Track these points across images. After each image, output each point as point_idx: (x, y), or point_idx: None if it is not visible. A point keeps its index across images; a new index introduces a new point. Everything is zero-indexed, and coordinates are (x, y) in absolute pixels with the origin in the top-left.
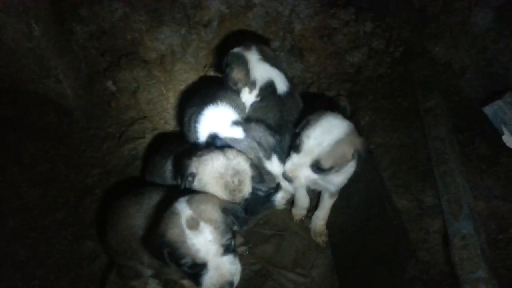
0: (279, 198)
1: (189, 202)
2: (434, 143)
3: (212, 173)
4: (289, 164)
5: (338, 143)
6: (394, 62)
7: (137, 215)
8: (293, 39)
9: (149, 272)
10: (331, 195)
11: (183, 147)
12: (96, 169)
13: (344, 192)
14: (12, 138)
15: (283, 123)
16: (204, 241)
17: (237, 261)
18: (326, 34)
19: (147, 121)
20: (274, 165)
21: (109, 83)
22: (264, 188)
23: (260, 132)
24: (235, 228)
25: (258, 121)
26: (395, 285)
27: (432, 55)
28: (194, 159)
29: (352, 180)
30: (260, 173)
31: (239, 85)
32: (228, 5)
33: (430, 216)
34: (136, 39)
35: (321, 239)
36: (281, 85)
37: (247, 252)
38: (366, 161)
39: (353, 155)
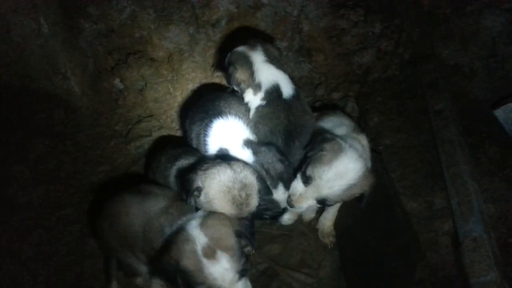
0: (286, 219)
1: (202, 228)
2: (444, 145)
3: (219, 187)
4: (295, 193)
5: (349, 187)
6: (403, 64)
7: (139, 214)
8: (302, 39)
9: (144, 268)
10: None
11: (188, 154)
12: (102, 167)
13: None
14: (19, 135)
15: (292, 128)
16: (221, 269)
17: (249, 284)
18: (334, 34)
19: (154, 119)
20: (279, 194)
21: (117, 81)
22: (269, 213)
23: (269, 158)
24: (248, 248)
25: (269, 144)
26: (404, 286)
27: (441, 57)
28: (200, 172)
29: None
30: (266, 186)
31: (242, 85)
32: (236, 4)
33: (439, 219)
34: (144, 37)
35: (329, 240)
36: (287, 89)
37: (253, 252)
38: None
39: (359, 195)
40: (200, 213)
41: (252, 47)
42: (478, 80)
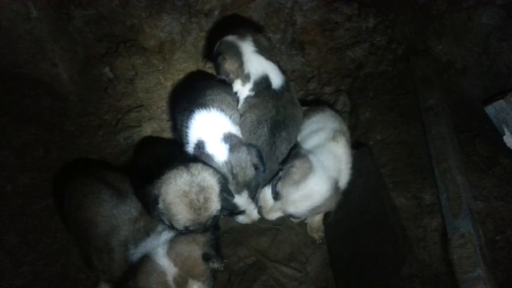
0: (240, 220)
1: (171, 256)
2: (435, 141)
3: (175, 191)
4: (266, 205)
5: (315, 208)
6: (396, 59)
7: (108, 217)
8: (295, 32)
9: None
10: None
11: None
12: (90, 156)
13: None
14: (5, 121)
15: (279, 118)
16: None
17: None
18: (328, 28)
19: (144, 110)
20: (242, 200)
21: (106, 70)
22: (225, 212)
23: (243, 161)
24: (216, 265)
25: (251, 146)
26: (392, 282)
27: (434, 53)
28: (157, 181)
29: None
30: (227, 188)
31: (231, 76)
32: None
33: (428, 214)
34: (135, 25)
35: (318, 235)
36: (276, 80)
37: (221, 268)
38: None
39: (325, 213)
40: (165, 236)
41: (242, 36)
42: (470, 76)
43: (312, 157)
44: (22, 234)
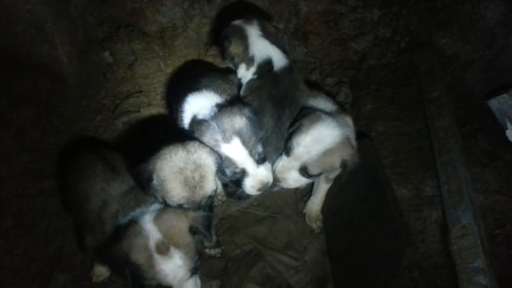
0: (248, 186)
1: (157, 222)
2: (437, 133)
3: (170, 168)
4: (279, 166)
5: (326, 153)
6: (400, 52)
7: (101, 192)
8: (298, 22)
9: None
10: (327, 180)
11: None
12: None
13: (342, 178)
14: (1, 102)
15: (280, 96)
16: (173, 267)
17: (198, 282)
18: (332, 19)
19: (143, 96)
20: (233, 149)
21: (106, 54)
22: (227, 173)
23: (230, 113)
24: (205, 243)
25: (245, 106)
26: (391, 272)
27: (439, 46)
28: (152, 157)
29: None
30: (223, 170)
31: (236, 60)
32: None
33: (428, 206)
34: (136, 10)
35: (316, 224)
36: (279, 63)
37: (218, 255)
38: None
39: (340, 165)
40: (155, 206)
41: (249, 21)
42: (474, 70)
43: (319, 112)
44: (17, 216)
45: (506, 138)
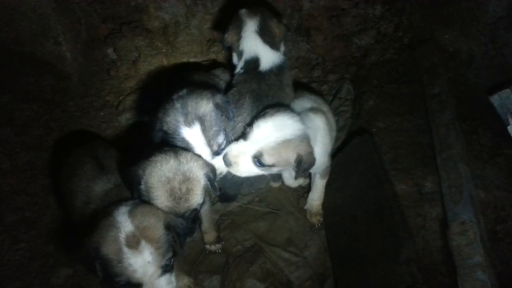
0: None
1: (131, 215)
2: (438, 129)
3: (158, 176)
4: (234, 149)
5: (284, 143)
6: (402, 48)
7: (86, 189)
8: (301, 17)
9: None
10: (322, 175)
11: None
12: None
13: (342, 174)
14: (6, 98)
15: (262, 94)
16: (142, 262)
17: (173, 280)
18: (334, 14)
19: (139, 95)
20: (191, 134)
21: (110, 51)
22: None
23: (197, 96)
24: (175, 247)
25: (219, 92)
26: (390, 267)
27: (441, 42)
28: (143, 161)
29: (351, 162)
30: (214, 184)
31: (232, 47)
32: None
33: (428, 202)
34: (139, 6)
35: (316, 219)
36: (266, 64)
37: (219, 251)
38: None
39: (295, 160)
40: (135, 202)
41: (251, 14)
42: (476, 66)
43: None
44: (20, 211)
45: (508, 133)
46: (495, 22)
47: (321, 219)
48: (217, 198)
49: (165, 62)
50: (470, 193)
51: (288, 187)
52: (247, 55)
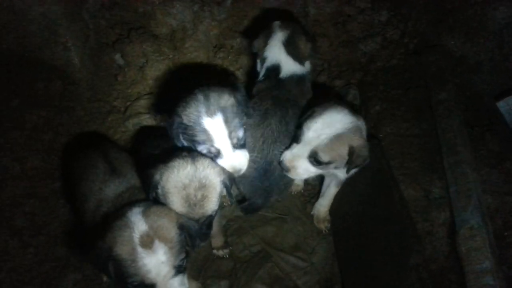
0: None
1: (144, 215)
2: (445, 134)
3: (175, 182)
4: (288, 154)
5: (336, 138)
6: (408, 54)
7: (98, 193)
8: (307, 24)
9: None
10: (338, 184)
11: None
12: None
13: (350, 180)
14: (16, 103)
15: (282, 98)
16: (156, 262)
17: (185, 281)
18: (340, 21)
19: (153, 97)
20: (213, 125)
21: (117, 56)
22: (202, 149)
23: (220, 91)
24: (188, 248)
25: (237, 89)
26: (398, 272)
27: (447, 48)
28: (161, 165)
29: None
30: (230, 192)
31: (258, 53)
32: None
33: (436, 208)
34: (147, 12)
35: (324, 225)
36: (287, 71)
37: (227, 256)
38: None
39: (348, 152)
40: (147, 203)
41: (283, 26)
42: (482, 72)
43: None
44: (30, 216)
45: None
46: (502, 28)
47: (329, 225)
48: (241, 211)
49: (172, 68)
50: (478, 198)
51: (296, 192)
52: (269, 62)
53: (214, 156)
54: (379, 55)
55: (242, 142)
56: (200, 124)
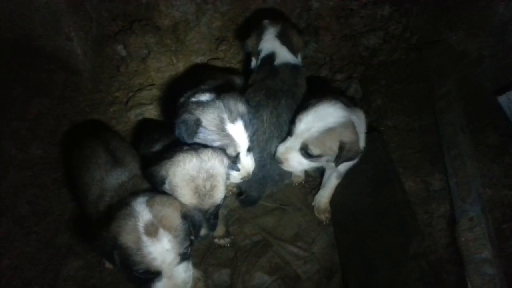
0: (235, 173)
1: (149, 204)
2: (446, 128)
3: (182, 175)
4: (282, 146)
5: (328, 131)
6: (410, 48)
7: (99, 182)
8: (310, 17)
9: None
10: (339, 176)
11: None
12: None
13: (351, 171)
14: (18, 92)
15: (276, 87)
16: (161, 250)
17: (190, 267)
18: (343, 15)
19: (155, 89)
20: (237, 130)
21: (120, 48)
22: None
23: (233, 97)
24: (192, 237)
25: (240, 95)
26: (398, 262)
27: (449, 43)
28: (166, 161)
29: (360, 159)
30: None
31: (252, 52)
32: None
33: (436, 200)
34: (150, 4)
35: (324, 216)
36: (281, 58)
37: (228, 245)
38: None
39: (338, 147)
40: (151, 193)
41: (273, 23)
42: (484, 67)
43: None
44: (32, 204)
45: None
46: (504, 23)
47: (329, 216)
48: (240, 204)
49: (174, 60)
50: (478, 191)
51: (297, 183)
52: (263, 53)
53: (233, 160)
54: (381, 49)
55: (250, 146)
56: (223, 129)
